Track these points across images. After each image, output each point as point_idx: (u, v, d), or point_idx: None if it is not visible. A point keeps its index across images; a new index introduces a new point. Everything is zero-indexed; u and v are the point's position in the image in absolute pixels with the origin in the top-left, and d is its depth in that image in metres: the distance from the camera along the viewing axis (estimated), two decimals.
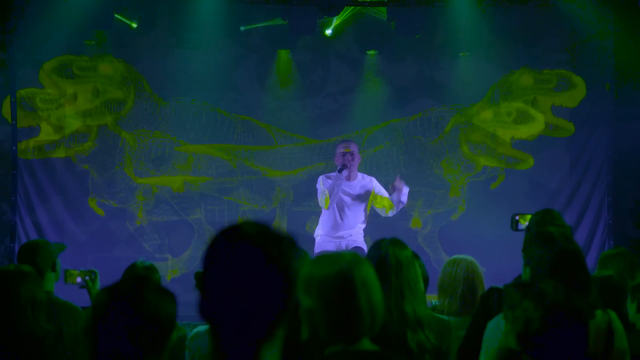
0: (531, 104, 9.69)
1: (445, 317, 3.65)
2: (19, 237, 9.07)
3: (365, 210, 7.43)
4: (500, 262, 7.62)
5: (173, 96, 9.50)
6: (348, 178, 7.35)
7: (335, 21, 9.50)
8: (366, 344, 2.34)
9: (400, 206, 7.32)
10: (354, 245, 7.23)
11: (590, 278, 3.28)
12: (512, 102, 9.71)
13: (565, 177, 9.66)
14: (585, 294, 3.15)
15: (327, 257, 2.38)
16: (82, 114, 9.38)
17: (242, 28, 9.42)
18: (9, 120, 9.17)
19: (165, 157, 9.51)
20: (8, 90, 9.20)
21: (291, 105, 9.67)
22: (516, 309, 2.71)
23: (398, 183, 7.22)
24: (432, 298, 4.42)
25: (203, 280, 1.70)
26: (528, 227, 4.17)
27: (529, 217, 4.27)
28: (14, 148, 9.23)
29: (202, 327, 3.87)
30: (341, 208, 7.35)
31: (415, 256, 3.60)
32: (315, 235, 7.57)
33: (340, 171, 7.21)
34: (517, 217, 4.40)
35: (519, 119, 9.69)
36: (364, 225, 7.45)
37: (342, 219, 7.36)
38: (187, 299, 2.58)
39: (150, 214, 9.48)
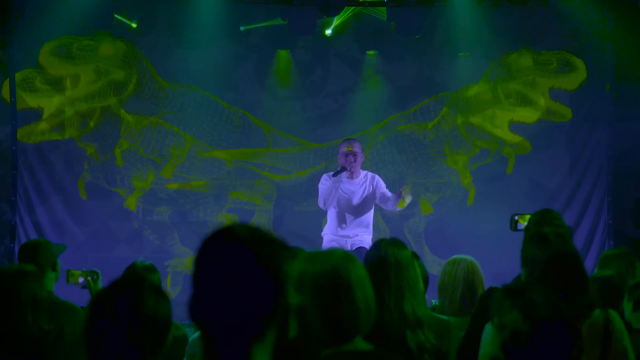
0: (530, 85, 9.66)
1: (445, 317, 3.65)
2: (19, 237, 9.07)
3: (370, 208, 7.39)
4: (500, 262, 7.61)
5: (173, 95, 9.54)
6: (351, 177, 7.33)
7: (335, 21, 9.50)
8: (360, 343, 2.35)
9: (396, 210, 7.29)
10: (358, 246, 7.19)
11: (587, 278, 3.27)
12: (510, 82, 9.68)
13: (565, 177, 9.65)
14: (582, 295, 3.14)
15: (319, 255, 2.41)
16: (84, 97, 9.37)
17: (242, 28, 9.42)
18: (8, 101, 9.16)
19: (163, 145, 9.51)
20: (7, 73, 9.19)
21: (291, 105, 9.68)
22: (504, 316, 2.70)
23: (404, 193, 7.05)
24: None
25: (194, 280, 1.70)
26: (527, 227, 4.17)
27: (528, 217, 4.27)
28: (14, 148, 9.23)
29: None
30: (344, 207, 7.32)
31: (415, 256, 3.60)
32: (322, 234, 7.56)
33: (335, 174, 7.17)
34: (516, 217, 4.40)
35: (518, 102, 9.66)
36: (370, 224, 7.38)
37: (345, 217, 7.34)
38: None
39: (150, 214, 9.48)
